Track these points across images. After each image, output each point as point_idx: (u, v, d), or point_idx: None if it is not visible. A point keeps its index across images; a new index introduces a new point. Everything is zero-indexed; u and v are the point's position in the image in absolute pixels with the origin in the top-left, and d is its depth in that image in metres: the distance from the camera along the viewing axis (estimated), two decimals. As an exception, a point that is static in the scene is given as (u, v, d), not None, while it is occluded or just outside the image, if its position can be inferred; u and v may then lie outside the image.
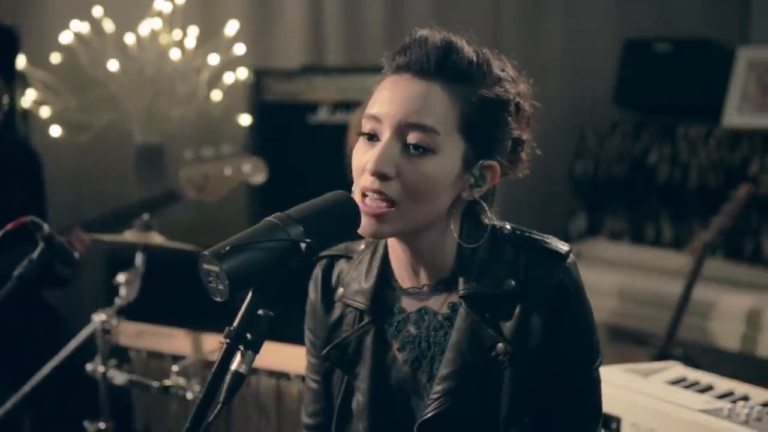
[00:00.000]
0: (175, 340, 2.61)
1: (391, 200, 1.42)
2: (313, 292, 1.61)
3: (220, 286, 1.29)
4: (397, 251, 1.52)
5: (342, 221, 1.40)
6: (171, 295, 2.89)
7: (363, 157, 1.45)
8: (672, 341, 3.34)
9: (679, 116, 4.10)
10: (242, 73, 3.99)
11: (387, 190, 1.42)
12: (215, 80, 3.94)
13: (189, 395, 2.37)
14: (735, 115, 3.89)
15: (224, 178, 3.00)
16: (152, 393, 2.42)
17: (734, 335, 3.53)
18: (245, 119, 4.03)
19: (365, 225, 1.43)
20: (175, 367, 2.41)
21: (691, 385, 2.17)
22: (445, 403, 1.46)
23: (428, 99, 1.43)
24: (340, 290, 1.57)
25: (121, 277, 2.43)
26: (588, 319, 1.49)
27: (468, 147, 1.44)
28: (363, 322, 1.53)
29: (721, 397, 2.09)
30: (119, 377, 2.41)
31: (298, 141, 3.98)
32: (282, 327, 1.44)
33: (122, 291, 2.43)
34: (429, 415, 1.46)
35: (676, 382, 2.19)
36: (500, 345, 1.45)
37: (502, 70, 1.49)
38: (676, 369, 2.27)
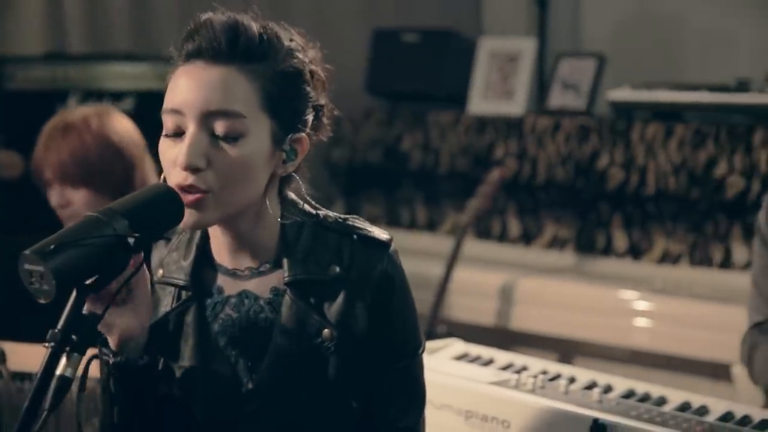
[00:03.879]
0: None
1: (207, 190, 1.41)
2: None
3: (45, 287, 1.23)
4: (216, 233, 1.50)
5: (167, 212, 1.37)
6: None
7: (171, 152, 1.42)
8: (436, 320, 3.48)
9: (430, 103, 4.25)
10: (-20, 60, 3.72)
11: (201, 183, 1.41)
12: (-50, 68, 3.65)
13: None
14: (480, 103, 4.10)
15: (-23, 173, 2.82)
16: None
17: (489, 311, 3.73)
18: (-15, 110, 3.76)
19: (185, 217, 1.41)
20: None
21: (475, 360, 2.29)
22: (271, 391, 1.45)
23: (227, 84, 1.41)
24: (160, 271, 1.53)
25: None
26: (412, 307, 1.55)
27: (274, 124, 1.45)
28: (183, 299, 1.50)
29: (504, 368, 2.22)
30: None
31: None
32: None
33: None
34: (255, 403, 1.45)
35: (460, 358, 2.29)
36: (326, 331, 1.47)
37: (291, 40, 1.51)
38: (458, 345, 2.38)
